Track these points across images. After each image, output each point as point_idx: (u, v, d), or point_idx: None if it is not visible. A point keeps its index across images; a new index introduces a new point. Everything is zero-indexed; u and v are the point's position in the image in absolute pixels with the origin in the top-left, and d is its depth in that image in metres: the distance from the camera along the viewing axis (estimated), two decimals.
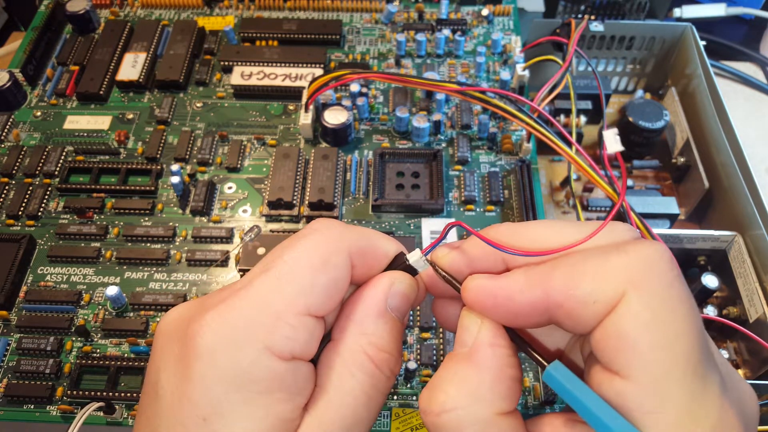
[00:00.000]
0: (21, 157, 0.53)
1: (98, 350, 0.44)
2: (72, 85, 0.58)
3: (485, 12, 0.63)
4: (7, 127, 0.55)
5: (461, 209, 0.50)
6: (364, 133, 0.55)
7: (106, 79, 0.58)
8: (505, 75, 0.56)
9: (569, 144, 0.45)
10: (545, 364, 0.22)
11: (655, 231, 0.44)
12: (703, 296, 0.48)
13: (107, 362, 0.42)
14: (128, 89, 0.58)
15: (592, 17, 0.62)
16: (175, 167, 0.51)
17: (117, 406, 0.41)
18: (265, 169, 0.53)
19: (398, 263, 0.27)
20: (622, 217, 0.44)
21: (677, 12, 0.73)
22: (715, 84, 0.54)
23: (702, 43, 0.58)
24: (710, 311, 0.48)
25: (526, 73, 0.56)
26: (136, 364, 0.42)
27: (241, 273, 0.46)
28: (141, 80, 0.57)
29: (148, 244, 0.48)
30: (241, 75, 0.57)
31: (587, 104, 0.60)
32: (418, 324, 0.44)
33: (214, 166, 0.53)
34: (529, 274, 0.23)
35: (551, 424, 0.23)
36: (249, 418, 0.22)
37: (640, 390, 0.20)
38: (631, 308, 0.20)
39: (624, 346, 0.20)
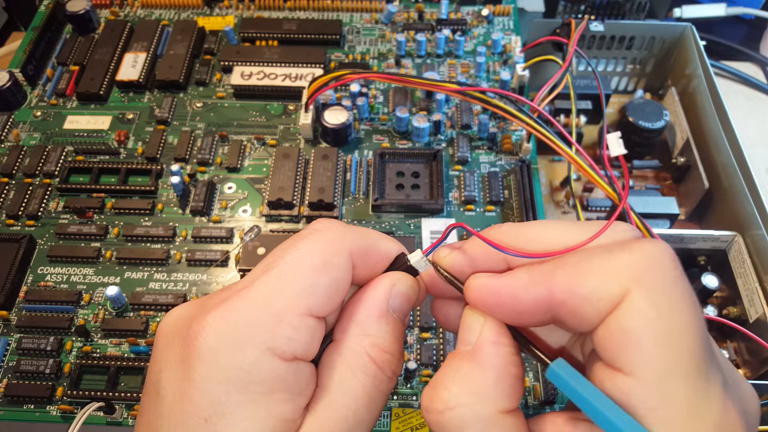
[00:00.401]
0: (21, 157, 0.53)
1: (98, 350, 0.44)
2: (72, 85, 0.58)
3: (485, 12, 0.63)
4: (7, 127, 0.55)
5: (461, 209, 0.50)
6: (364, 133, 0.55)
7: (106, 79, 0.58)
8: (505, 75, 0.56)
9: (569, 144, 0.45)
10: (548, 361, 0.22)
11: (655, 231, 0.44)
12: (703, 296, 0.48)
13: (107, 362, 0.42)
14: (128, 89, 0.58)
15: (592, 17, 0.62)
16: (175, 167, 0.51)
17: (117, 406, 0.41)
18: (265, 169, 0.53)
19: (399, 264, 0.27)
20: (622, 217, 0.44)
21: (677, 12, 0.73)
22: (715, 84, 0.54)
23: (702, 43, 0.58)
24: (710, 311, 0.48)
25: (526, 73, 0.56)
26: (136, 364, 0.42)
27: (241, 273, 0.46)
28: (141, 80, 0.57)
29: (148, 244, 0.48)
30: (241, 75, 0.57)
31: (587, 104, 0.60)
32: (418, 324, 0.44)
33: (214, 166, 0.53)
34: (533, 272, 0.23)
35: (553, 422, 0.23)
36: (250, 419, 0.22)
37: (644, 387, 0.20)
38: (636, 305, 0.20)
39: (628, 342, 0.20)
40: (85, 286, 0.46)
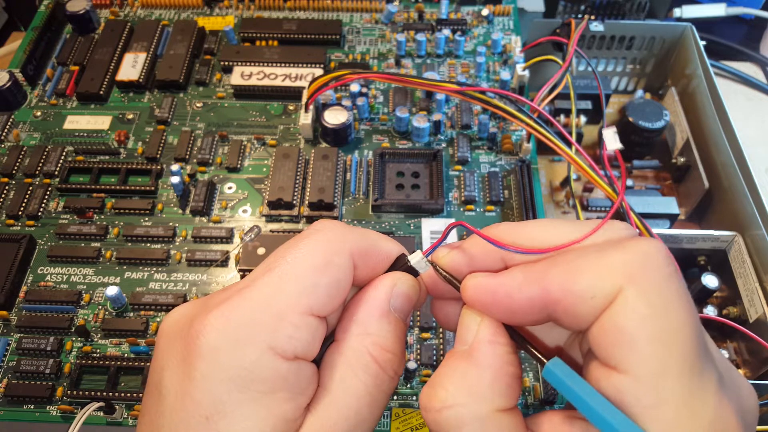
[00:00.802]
0: (21, 157, 0.53)
1: (98, 350, 0.44)
2: (72, 85, 0.58)
3: (485, 12, 0.63)
4: (7, 127, 0.55)
5: (461, 209, 0.50)
6: (364, 133, 0.55)
7: (106, 79, 0.58)
8: (505, 75, 0.56)
9: (569, 144, 0.45)
10: (544, 360, 0.22)
11: (655, 231, 0.44)
12: (703, 296, 0.48)
13: (107, 362, 0.42)
14: (128, 89, 0.58)
15: (592, 17, 0.62)
16: (175, 167, 0.51)
17: (117, 406, 0.41)
18: (265, 169, 0.53)
19: (400, 264, 0.27)
20: (621, 216, 0.44)
21: (677, 12, 0.73)
22: (715, 84, 0.54)
23: (702, 43, 0.58)
24: (710, 311, 0.48)
25: (526, 73, 0.56)
26: (136, 364, 0.42)
27: (241, 273, 0.46)
28: (141, 80, 0.57)
29: (148, 244, 0.48)
30: (241, 75, 0.57)
31: (587, 104, 0.60)
32: (418, 324, 0.44)
33: (214, 166, 0.53)
34: (527, 271, 0.23)
35: (550, 420, 0.23)
36: (251, 418, 0.22)
37: (638, 385, 0.20)
38: (629, 303, 0.20)
39: (621, 340, 0.20)
40: (85, 286, 0.46)
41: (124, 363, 0.42)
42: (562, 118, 0.59)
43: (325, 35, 0.61)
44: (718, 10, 0.74)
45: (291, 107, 0.57)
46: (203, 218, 0.50)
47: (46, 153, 0.53)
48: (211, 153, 0.53)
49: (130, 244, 0.48)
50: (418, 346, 0.43)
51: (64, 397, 0.41)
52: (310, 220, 0.49)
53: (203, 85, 0.59)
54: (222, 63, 0.59)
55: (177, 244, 0.48)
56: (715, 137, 0.53)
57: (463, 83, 0.51)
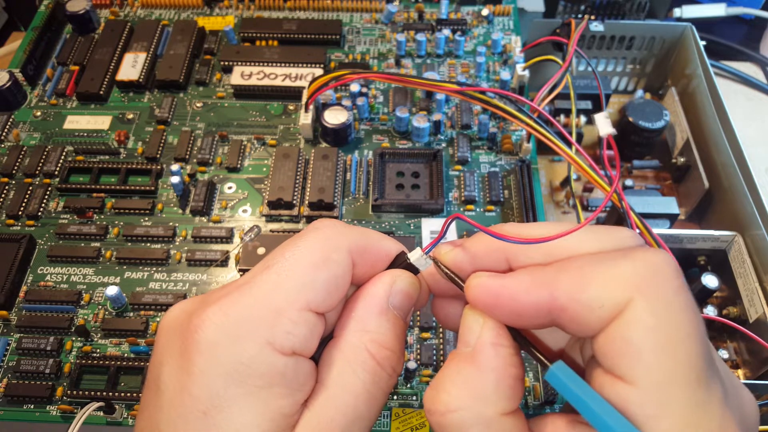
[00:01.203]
0: (21, 157, 0.53)
1: (98, 350, 0.44)
2: (72, 85, 0.58)
3: (485, 12, 0.63)
4: (7, 127, 0.55)
5: (461, 209, 0.50)
6: (364, 133, 0.55)
7: (106, 79, 0.58)
8: (505, 75, 0.56)
9: (569, 144, 0.45)
10: (548, 363, 0.22)
11: (655, 231, 0.44)
12: (703, 296, 0.48)
13: (107, 362, 0.42)
14: (128, 89, 0.58)
15: (592, 17, 0.62)
16: (175, 167, 0.51)
17: (117, 406, 0.41)
18: (265, 169, 0.53)
19: (399, 262, 0.27)
20: (621, 217, 0.44)
21: (677, 12, 0.73)
22: (715, 84, 0.54)
23: (702, 43, 0.58)
24: (710, 311, 0.48)
25: (526, 73, 0.56)
26: (136, 364, 0.42)
27: (241, 273, 0.46)
28: (141, 80, 0.57)
29: (148, 244, 0.48)
30: (241, 75, 0.57)
31: (587, 104, 0.60)
32: (418, 324, 0.44)
33: (214, 166, 0.53)
34: (535, 276, 0.23)
35: (554, 424, 0.23)
36: (249, 412, 0.22)
37: (643, 395, 0.20)
38: (638, 315, 0.20)
39: (629, 351, 0.20)
40: (85, 286, 0.46)
41: (124, 363, 0.42)
42: (562, 118, 0.59)
43: (325, 35, 0.61)
44: (718, 10, 0.74)
45: (291, 107, 0.57)
46: (203, 218, 0.50)
47: (46, 153, 0.53)
48: (211, 153, 0.53)
49: (130, 244, 0.48)
50: (418, 346, 0.43)
51: (64, 397, 0.41)
52: (310, 220, 0.49)
53: (203, 85, 0.59)
54: (222, 63, 0.59)
55: (177, 244, 0.48)
56: (715, 137, 0.53)
57: (463, 83, 0.51)
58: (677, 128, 0.59)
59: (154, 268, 0.47)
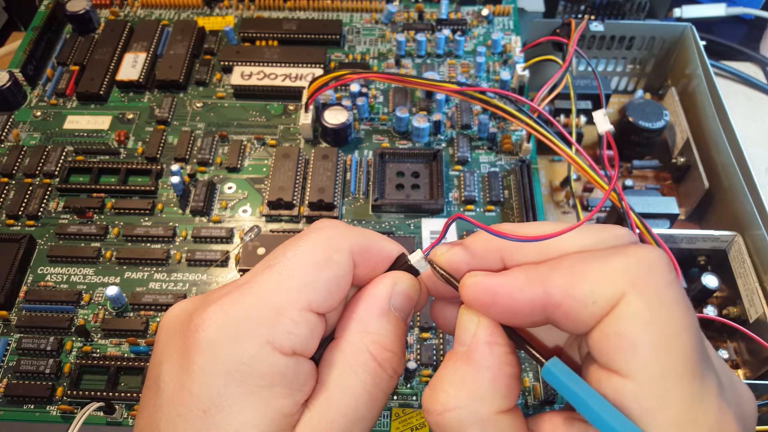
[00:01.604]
0: (21, 157, 0.53)
1: (98, 350, 0.44)
2: (72, 85, 0.58)
3: (485, 12, 0.63)
4: (7, 127, 0.55)
5: (461, 209, 0.50)
6: (364, 133, 0.55)
7: (106, 79, 0.58)
8: (505, 75, 0.56)
9: (569, 144, 0.45)
10: (543, 360, 0.22)
11: (655, 231, 0.44)
12: (703, 296, 0.48)
13: (107, 362, 0.42)
14: (128, 89, 0.58)
15: (592, 17, 0.62)
16: (175, 167, 0.51)
17: (117, 406, 0.41)
18: (265, 169, 0.53)
19: (400, 264, 0.27)
20: (621, 217, 0.44)
21: (677, 12, 0.73)
22: (715, 84, 0.54)
23: (702, 43, 0.58)
24: (710, 311, 0.48)
25: (526, 73, 0.56)
26: (136, 364, 0.42)
27: (241, 273, 0.46)
28: (141, 80, 0.57)
29: (148, 244, 0.48)
30: (241, 75, 0.57)
31: (587, 104, 0.60)
32: (418, 324, 0.44)
33: (214, 166, 0.53)
34: (529, 273, 0.23)
35: (551, 421, 0.23)
36: (248, 412, 0.22)
37: (640, 389, 0.20)
38: (632, 309, 0.20)
39: (624, 345, 0.20)
40: (85, 286, 0.46)
41: (124, 363, 0.42)
42: (562, 118, 0.59)
43: (325, 35, 0.61)
44: (718, 10, 0.74)
45: (291, 107, 0.57)
46: (203, 218, 0.50)
47: (46, 153, 0.53)
48: (211, 153, 0.53)
49: (130, 244, 0.48)
50: (418, 346, 0.43)
51: (64, 397, 0.41)
52: (310, 220, 0.49)
53: (203, 85, 0.59)
54: (222, 63, 0.59)
55: (177, 244, 0.48)
56: (715, 137, 0.53)
57: (463, 83, 0.51)
58: (677, 128, 0.59)
59: (154, 268, 0.47)
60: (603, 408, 0.20)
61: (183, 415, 0.22)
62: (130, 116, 0.56)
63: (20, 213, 0.50)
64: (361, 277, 0.26)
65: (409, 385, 0.42)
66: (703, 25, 0.67)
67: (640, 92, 0.64)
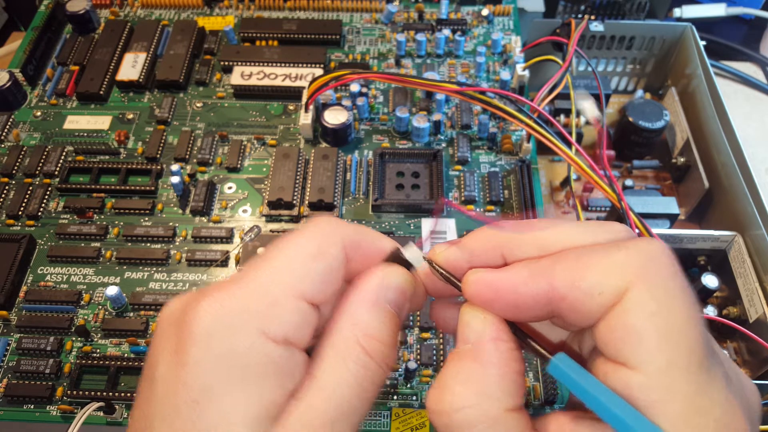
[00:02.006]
0: (21, 157, 0.53)
1: (98, 350, 0.44)
2: (72, 85, 0.58)
3: (485, 12, 0.63)
4: (7, 127, 0.55)
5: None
6: (364, 133, 0.55)
7: (106, 79, 0.58)
8: (505, 75, 0.56)
9: (569, 144, 0.45)
10: (549, 356, 0.22)
11: (655, 231, 0.44)
12: (703, 296, 0.48)
13: (107, 362, 0.42)
14: (128, 89, 0.58)
15: (592, 17, 0.62)
16: (175, 167, 0.51)
17: (117, 406, 0.41)
18: (265, 169, 0.53)
19: (393, 259, 0.27)
20: (621, 217, 0.44)
21: (677, 12, 0.73)
22: (715, 84, 0.54)
23: (702, 43, 0.58)
24: (710, 311, 0.48)
25: (526, 73, 0.56)
26: (136, 364, 0.42)
27: None
28: (141, 80, 0.57)
29: (148, 244, 0.48)
30: (241, 75, 0.57)
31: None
32: (418, 324, 0.44)
33: (214, 166, 0.53)
34: (532, 267, 0.23)
35: (557, 421, 0.23)
36: (241, 402, 0.22)
37: (648, 380, 0.20)
38: (638, 299, 0.20)
39: (630, 337, 0.20)
40: (85, 286, 0.46)
41: (124, 363, 0.42)
42: (562, 118, 0.59)
43: (325, 35, 0.61)
44: (718, 10, 0.74)
45: (291, 107, 0.57)
46: (203, 218, 0.50)
47: (46, 153, 0.53)
48: (211, 153, 0.53)
49: (130, 244, 0.48)
50: (418, 346, 0.43)
51: (64, 397, 0.41)
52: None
53: (203, 85, 0.59)
54: (222, 63, 0.59)
55: (177, 244, 0.48)
56: (715, 137, 0.53)
57: (463, 83, 0.51)
58: (677, 128, 0.59)
59: (154, 268, 0.47)
60: (612, 401, 0.20)
61: (176, 406, 0.22)
62: (130, 116, 0.56)
63: (20, 213, 0.50)
64: (354, 271, 0.26)
65: (409, 385, 0.42)
66: (703, 25, 0.67)
67: (640, 92, 0.64)
